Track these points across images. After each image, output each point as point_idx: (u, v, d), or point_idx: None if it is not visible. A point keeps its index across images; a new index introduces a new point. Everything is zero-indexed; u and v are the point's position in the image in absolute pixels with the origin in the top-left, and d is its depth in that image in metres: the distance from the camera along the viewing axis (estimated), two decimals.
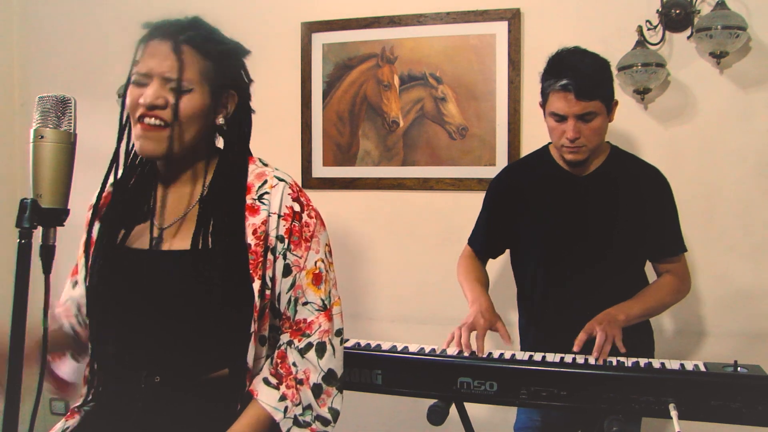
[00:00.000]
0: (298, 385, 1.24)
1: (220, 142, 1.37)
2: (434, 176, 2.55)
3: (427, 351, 1.63)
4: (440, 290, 2.55)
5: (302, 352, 1.26)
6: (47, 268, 1.03)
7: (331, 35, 2.62)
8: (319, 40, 2.64)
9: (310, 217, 1.31)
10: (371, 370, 1.59)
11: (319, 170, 2.68)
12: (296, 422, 1.22)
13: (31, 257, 0.97)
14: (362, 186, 2.64)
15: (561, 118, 1.75)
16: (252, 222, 1.25)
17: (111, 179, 1.31)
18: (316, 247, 1.31)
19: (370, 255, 2.66)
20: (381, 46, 2.58)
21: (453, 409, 1.55)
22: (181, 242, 1.25)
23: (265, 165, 1.35)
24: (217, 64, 1.26)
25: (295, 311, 1.28)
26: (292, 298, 1.28)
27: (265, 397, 1.22)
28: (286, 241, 1.26)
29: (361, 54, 2.60)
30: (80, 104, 1.09)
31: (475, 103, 2.49)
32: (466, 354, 1.61)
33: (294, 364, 1.25)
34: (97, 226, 1.31)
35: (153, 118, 1.20)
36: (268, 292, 1.25)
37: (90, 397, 1.29)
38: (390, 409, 2.47)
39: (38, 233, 1.01)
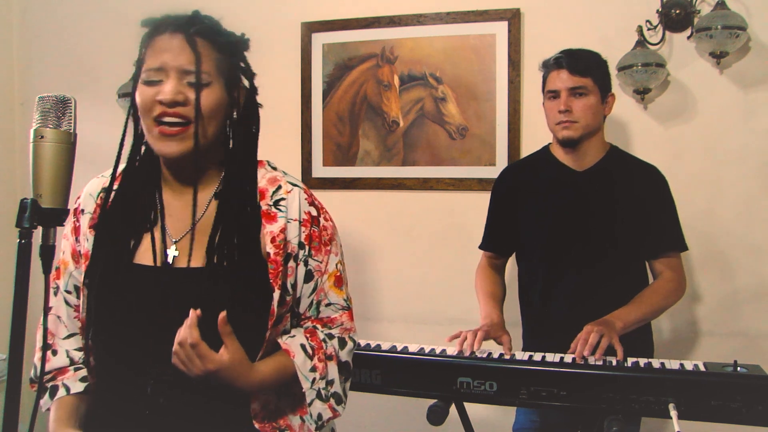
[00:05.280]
0: (327, 360, 1.25)
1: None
2: (434, 176, 2.55)
3: (427, 351, 1.63)
4: (440, 290, 2.55)
5: (328, 337, 1.28)
6: (47, 268, 1.03)
7: (331, 35, 2.62)
8: (319, 40, 2.64)
9: (326, 220, 1.29)
10: (371, 370, 1.60)
11: (319, 170, 2.68)
12: (319, 395, 1.24)
13: (31, 257, 0.97)
14: (362, 186, 2.64)
15: (555, 95, 1.84)
16: (270, 230, 1.21)
17: (102, 183, 1.26)
18: (336, 249, 1.30)
19: (370, 255, 2.66)
20: (381, 46, 2.58)
21: (453, 409, 1.55)
22: (195, 258, 1.19)
23: (275, 169, 1.31)
24: (228, 56, 1.21)
25: (318, 311, 1.29)
26: (314, 302, 1.28)
27: (300, 362, 1.22)
28: (307, 247, 1.24)
29: (361, 54, 2.60)
30: (80, 104, 1.08)
31: (475, 103, 2.49)
32: (466, 353, 1.62)
33: (324, 341, 1.27)
34: (91, 235, 1.23)
35: (175, 117, 1.14)
36: (288, 298, 1.24)
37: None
38: (390, 409, 2.47)
39: (38, 233, 1.00)
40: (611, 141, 1.96)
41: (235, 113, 1.24)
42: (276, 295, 1.19)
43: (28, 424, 1.04)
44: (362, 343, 1.69)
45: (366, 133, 2.62)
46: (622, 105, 2.28)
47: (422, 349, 1.64)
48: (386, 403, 2.00)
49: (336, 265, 1.29)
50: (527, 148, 2.34)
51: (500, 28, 2.44)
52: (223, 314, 1.10)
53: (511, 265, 2.10)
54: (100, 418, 1.24)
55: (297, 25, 2.65)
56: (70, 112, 1.04)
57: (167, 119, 1.15)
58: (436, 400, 1.54)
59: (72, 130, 1.03)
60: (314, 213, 1.27)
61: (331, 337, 1.28)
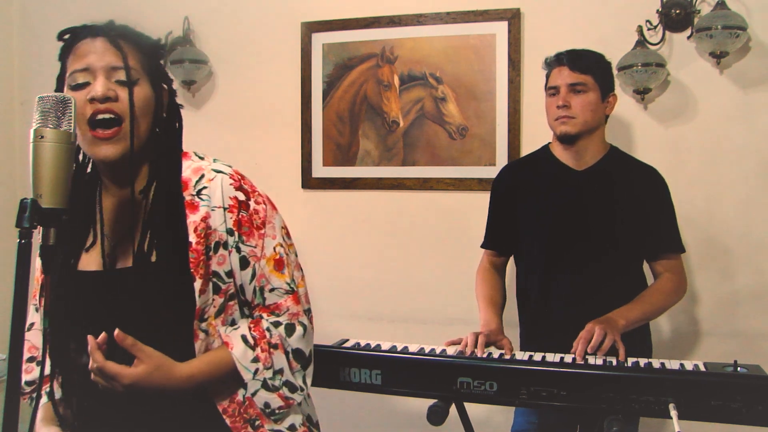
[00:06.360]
0: (271, 349, 1.24)
1: None
2: (434, 176, 2.55)
3: (427, 351, 1.63)
4: (440, 290, 2.55)
5: (273, 325, 1.27)
6: (47, 268, 1.03)
7: (331, 35, 2.62)
8: (319, 40, 2.64)
9: (257, 203, 1.27)
10: (371, 370, 1.59)
11: (319, 170, 2.68)
12: (264, 385, 1.23)
13: (31, 257, 0.97)
14: (362, 186, 2.64)
15: (555, 91, 1.86)
16: (192, 219, 1.21)
17: None
18: (272, 232, 1.27)
19: (370, 255, 2.66)
20: (381, 46, 2.58)
21: (453, 409, 1.55)
22: (130, 258, 1.22)
23: (201, 158, 1.30)
24: (150, 57, 1.24)
25: (264, 298, 1.27)
26: (257, 288, 1.26)
27: (239, 354, 1.22)
28: (236, 233, 1.23)
29: (361, 54, 2.60)
30: None
31: (475, 103, 2.49)
32: (467, 353, 1.62)
33: (268, 330, 1.25)
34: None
35: (107, 113, 1.15)
36: (225, 286, 1.23)
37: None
38: (390, 409, 2.47)
39: (38, 233, 1.00)
40: (611, 141, 1.96)
41: (164, 113, 1.26)
42: (198, 284, 1.19)
43: (28, 424, 1.04)
44: (362, 343, 1.69)
45: (366, 133, 2.62)
46: (622, 105, 2.28)
47: (422, 349, 1.64)
48: (386, 403, 2.01)
49: (274, 248, 1.27)
50: (527, 148, 2.34)
51: (500, 28, 2.44)
52: (117, 331, 1.10)
53: (511, 266, 2.09)
54: (74, 421, 1.27)
55: (297, 25, 2.65)
56: (70, 112, 1.04)
57: (100, 116, 1.16)
58: (436, 400, 1.54)
59: (72, 130, 1.03)
60: (242, 197, 1.25)
61: (277, 324, 1.26)
